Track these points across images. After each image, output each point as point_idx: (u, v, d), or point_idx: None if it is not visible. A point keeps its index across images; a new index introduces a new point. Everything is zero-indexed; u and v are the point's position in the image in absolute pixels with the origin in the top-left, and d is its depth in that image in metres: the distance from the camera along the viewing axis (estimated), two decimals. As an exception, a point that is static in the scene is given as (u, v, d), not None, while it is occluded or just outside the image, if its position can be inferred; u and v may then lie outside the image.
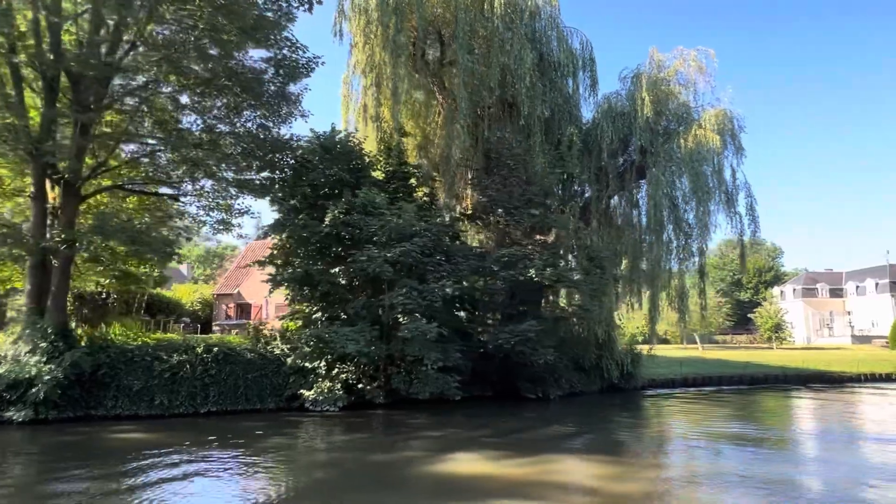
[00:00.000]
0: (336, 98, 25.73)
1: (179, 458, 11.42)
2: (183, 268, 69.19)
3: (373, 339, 16.71)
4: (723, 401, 25.40)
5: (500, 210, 21.15)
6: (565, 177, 24.06)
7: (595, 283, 20.23)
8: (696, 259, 23.74)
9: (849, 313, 77.85)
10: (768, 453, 13.52)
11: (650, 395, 26.49)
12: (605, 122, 22.67)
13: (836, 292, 79.94)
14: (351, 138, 20.86)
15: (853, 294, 77.89)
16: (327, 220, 18.25)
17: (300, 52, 19.38)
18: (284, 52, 19.17)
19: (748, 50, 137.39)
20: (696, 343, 71.85)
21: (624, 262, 24.08)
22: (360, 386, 17.71)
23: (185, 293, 46.25)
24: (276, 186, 20.65)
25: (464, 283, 19.78)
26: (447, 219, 24.47)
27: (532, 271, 18.70)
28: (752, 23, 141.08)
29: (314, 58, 19.61)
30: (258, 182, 20.90)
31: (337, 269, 18.07)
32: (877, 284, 74.37)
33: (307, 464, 11.94)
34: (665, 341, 62.27)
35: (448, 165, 21.70)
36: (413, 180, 22.71)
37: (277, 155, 20.95)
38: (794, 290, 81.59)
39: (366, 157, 21.47)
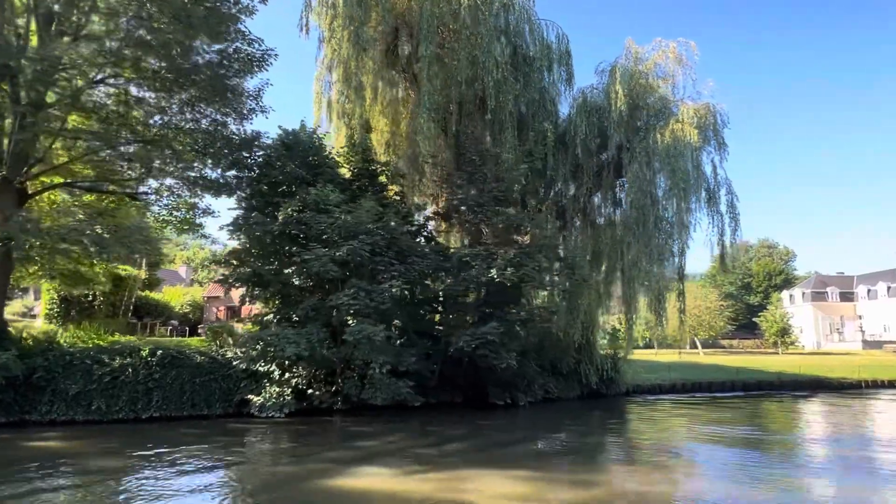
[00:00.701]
0: (310, 95, 25.10)
1: (74, 469, 10.68)
2: (182, 270, 69.04)
3: (320, 341, 15.87)
4: (706, 407, 24.19)
5: (464, 209, 20.23)
6: (542, 174, 23.10)
7: (564, 284, 19.18)
8: (677, 259, 22.59)
9: (860, 318, 75.60)
10: (721, 468, 12.46)
11: (634, 402, 25.32)
12: (580, 118, 21.68)
13: (847, 296, 77.72)
14: (314, 135, 20.07)
15: (864, 298, 75.65)
16: (280, 218, 17.50)
17: (255, 45, 18.72)
18: (238, 44, 18.51)
19: (754, 48, 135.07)
20: (699, 348, 70.33)
21: (604, 263, 22.99)
22: (310, 392, 16.89)
23: (176, 296, 45.85)
24: (242, 185, 20.02)
25: (427, 283, 18.94)
26: (420, 218, 23.66)
27: (493, 271, 17.76)
28: (748, 18, 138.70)
29: (268, 50, 18.93)
30: (216, 180, 20.28)
31: (290, 270, 17.28)
32: (888, 288, 72.14)
33: (198, 476, 11.00)
34: (664, 346, 60.77)
35: (415, 162, 20.80)
36: (383, 178, 21.93)
37: (240, 153, 20.31)
38: (804, 293, 79.47)
39: (330, 155, 20.74)
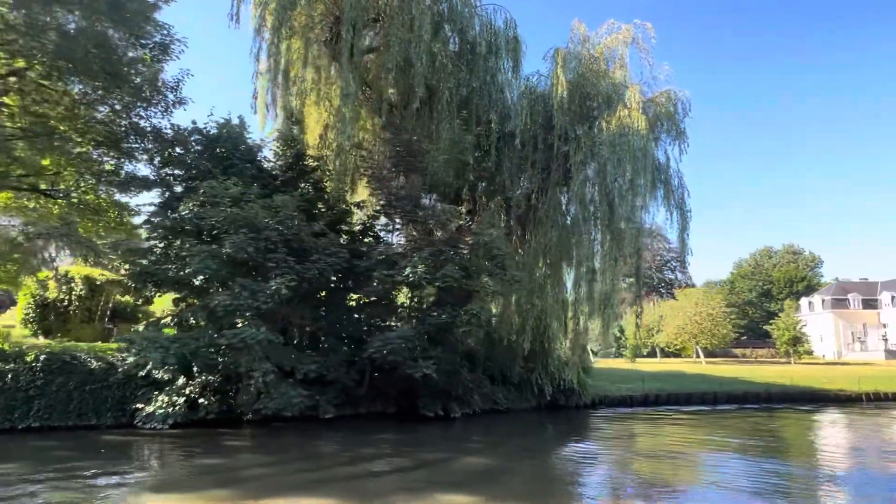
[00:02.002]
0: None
1: None
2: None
3: (206, 346, 14.44)
4: (670, 422, 21.96)
5: (395, 204, 18.63)
6: (488, 168, 21.40)
7: (495, 286, 17.38)
8: (632, 261, 20.54)
9: (884, 326, 71.15)
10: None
11: (596, 415, 23.24)
12: (521, 107, 19.91)
13: (871, 303, 73.34)
14: (226, 127, 18.79)
15: (889, 305, 71.23)
16: (181, 213, 16.21)
17: (164, 33, 17.60)
18: (148, 29, 17.40)
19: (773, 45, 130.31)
20: (713, 357, 67.00)
21: (542, 263, 21.03)
22: (201, 401, 15.46)
23: (159, 301, 45.17)
24: (171, 181, 18.95)
25: (345, 284, 17.38)
26: (363, 214, 22.16)
27: (407, 271, 16.10)
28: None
29: (180, 39, 17.80)
30: (136, 176, 19.22)
31: (189, 269, 15.93)
32: (915, 295, 67.78)
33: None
34: (669, 354, 57.94)
35: (340, 156, 19.30)
36: (320, 172, 20.61)
37: (163, 147, 19.19)
38: (824, 300, 75.36)
39: (253, 148, 19.47)
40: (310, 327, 17.40)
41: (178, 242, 16.25)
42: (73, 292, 27.88)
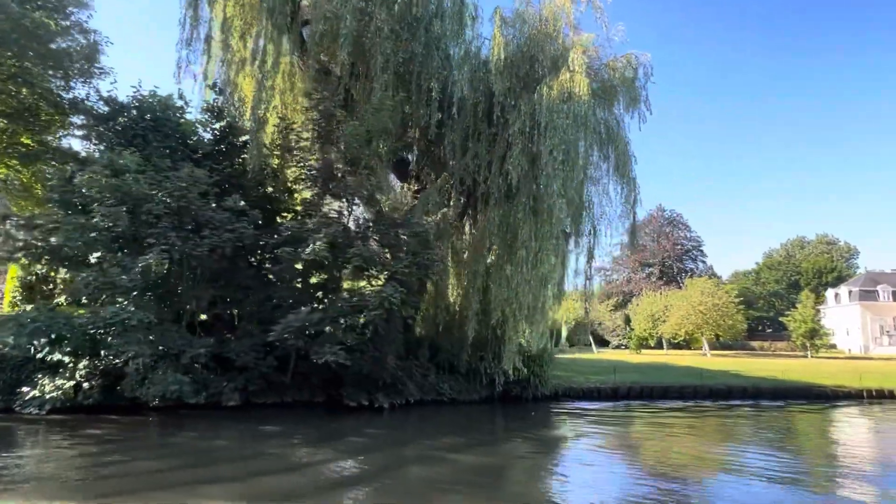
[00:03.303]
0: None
1: None
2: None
3: (80, 327, 13.26)
4: (626, 418, 20.01)
5: (319, 178, 17.12)
6: (431, 140, 19.68)
7: (399, 266, 15.67)
8: (586, 240, 18.53)
9: (916, 319, 66.45)
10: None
11: (554, 409, 21.40)
12: (461, 74, 18.06)
13: (902, 295, 68.52)
14: (153, 101, 17.53)
15: (921, 297, 66.41)
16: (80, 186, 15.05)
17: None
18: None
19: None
20: (729, 349, 63.72)
21: (489, 243, 19.18)
22: (85, 386, 14.34)
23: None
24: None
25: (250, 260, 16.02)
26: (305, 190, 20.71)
27: (309, 248, 14.60)
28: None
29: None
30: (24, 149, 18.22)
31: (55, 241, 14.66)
32: (949, 286, 62.89)
33: None
34: (677, 346, 55.11)
35: (263, 127, 17.83)
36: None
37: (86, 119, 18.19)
38: (851, 292, 70.87)
39: (176, 122, 18.24)
40: (219, 310, 16.10)
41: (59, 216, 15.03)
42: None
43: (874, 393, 27.06)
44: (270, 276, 17.13)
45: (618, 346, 61.23)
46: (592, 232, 18.57)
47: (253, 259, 16.86)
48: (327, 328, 14.99)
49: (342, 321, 14.78)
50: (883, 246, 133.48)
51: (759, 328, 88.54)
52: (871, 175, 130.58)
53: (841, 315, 71.23)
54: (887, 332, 66.76)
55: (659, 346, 54.92)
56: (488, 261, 18.87)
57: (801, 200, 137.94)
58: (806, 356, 51.92)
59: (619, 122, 19.68)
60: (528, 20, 18.42)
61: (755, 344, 66.65)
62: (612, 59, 18.59)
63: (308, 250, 14.53)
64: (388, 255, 16.57)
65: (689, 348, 55.98)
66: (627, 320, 54.92)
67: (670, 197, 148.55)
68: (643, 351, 53.29)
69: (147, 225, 13.84)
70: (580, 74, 16.51)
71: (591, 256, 18.85)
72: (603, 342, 68.09)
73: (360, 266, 15.11)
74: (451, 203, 21.27)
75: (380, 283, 17.47)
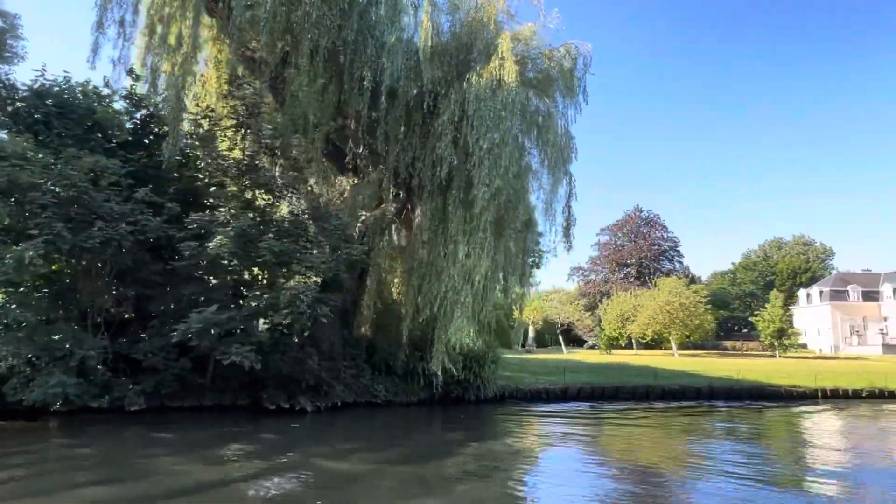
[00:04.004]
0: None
1: None
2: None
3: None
4: (565, 420, 19.23)
5: (236, 169, 16.13)
6: (363, 130, 18.75)
7: (318, 262, 14.74)
8: (520, 235, 17.67)
9: (884, 319, 66.67)
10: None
11: (495, 411, 20.59)
12: (389, 61, 17.16)
13: (872, 296, 68.76)
14: (38, 82, 16.42)
15: (890, 298, 66.63)
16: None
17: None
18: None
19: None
20: (702, 349, 63.44)
21: (426, 237, 18.27)
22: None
23: None
24: None
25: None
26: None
27: (212, 243, 13.65)
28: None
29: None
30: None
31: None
32: (916, 287, 63.15)
33: None
34: (647, 346, 54.59)
35: (176, 109, 16.77)
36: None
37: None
38: (822, 292, 70.99)
39: (89, 109, 17.17)
40: (125, 308, 15.06)
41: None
42: None
43: (828, 393, 26.62)
44: (193, 273, 16.11)
45: (592, 347, 60.69)
46: (528, 225, 17.75)
47: (165, 254, 15.80)
48: (239, 328, 14.00)
49: (256, 321, 13.80)
50: (858, 246, 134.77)
51: (736, 328, 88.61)
52: (848, 175, 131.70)
53: (812, 315, 71.38)
54: (857, 331, 66.95)
55: (630, 346, 54.39)
56: (423, 256, 17.95)
57: (782, 201, 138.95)
58: (774, 356, 51.73)
59: (560, 114, 18.90)
60: (462, 7, 17.61)
61: (728, 344, 66.48)
62: (548, 49, 17.81)
63: (212, 245, 13.56)
64: (310, 251, 15.60)
65: (660, 348, 55.53)
66: (599, 320, 54.29)
67: (652, 197, 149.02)
68: (613, 351, 52.76)
69: (33, 215, 12.80)
70: (509, 62, 15.69)
71: (525, 251, 18.01)
72: (580, 342, 67.59)
73: (271, 262, 14.12)
74: (391, 197, 20.41)
75: (310, 280, 16.60)
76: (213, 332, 13.48)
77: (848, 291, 69.23)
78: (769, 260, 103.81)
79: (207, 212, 15.56)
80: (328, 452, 12.42)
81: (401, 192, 20.40)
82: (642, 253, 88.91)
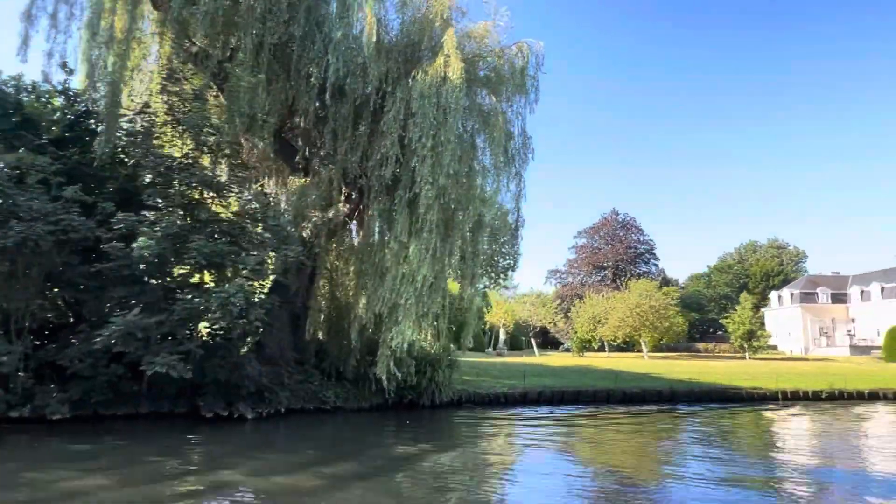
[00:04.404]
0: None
1: None
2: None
3: None
4: (519, 426, 18.91)
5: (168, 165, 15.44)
6: (309, 128, 18.22)
7: (254, 260, 14.15)
8: (471, 235, 17.23)
9: (852, 321, 67.61)
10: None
11: (457, 417, 20.09)
12: (334, 56, 16.63)
13: (840, 297, 69.69)
14: None
15: (857, 299, 67.57)
16: None
17: None
18: None
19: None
20: (674, 351, 63.65)
21: (376, 239, 17.76)
22: None
23: None
24: None
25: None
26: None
27: (135, 244, 12.99)
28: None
29: None
30: None
31: None
32: (882, 289, 64.06)
33: None
34: (619, 349, 54.56)
35: (110, 104, 16.07)
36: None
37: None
38: (793, 294, 71.77)
39: (10, 100, 16.41)
40: (51, 313, 14.32)
41: None
42: None
43: (789, 394, 26.63)
44: (124, 275, 15.36)
45: (567, 349, 60.57)
46: (479, 226, 17.34)
47: (96, 256, 15.06)
48: (170, 334, 13.35)
49: (195, 326, 13.17)
50: (831, 249, 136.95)
51: (711, 330, 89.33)
52: (822, 178, 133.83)
53: (783, 317, 72.13)
54: (826, 333, 67.77)
55: (603, 348, 54.33)
56: (371, 258, 17.42)
57: (759, 204, 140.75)
58: (745, 357, 52.01)
59: (516, 113, 18.62)
60: (411, 3, 17.18)
61: (701, 346, 66.77)
62: (500, 48, 17.46)
63: (135, 246, 12.91)
64: (250, 252, 14.99)
65: (633, 351, 55.54)
66: (569, 323, 54.19)
67: (633, 200, 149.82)
68: (586, 354, 52.63)
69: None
70: (455, 59, 15.27)
71: (477, 253, 17.58)
72: (558, 345, 67.42)
73: (202, 263, 13.50)
74: (343, 197, 19.87)
75: (253, 283, 15.99)
76: (138, 336, 12.78)
77: (817, 294, 70.11)
78: (744, 263, 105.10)
79: (144, 212, 14.91)
80: (260, 467, 11.73)
81: (353, 193, 19.87)
82: (618, 256, 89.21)
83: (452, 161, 14.96)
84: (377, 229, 17.19)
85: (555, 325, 56.01)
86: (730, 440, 17.04)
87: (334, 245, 20.16)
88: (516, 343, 62.17)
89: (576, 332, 52.70)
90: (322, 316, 20.00)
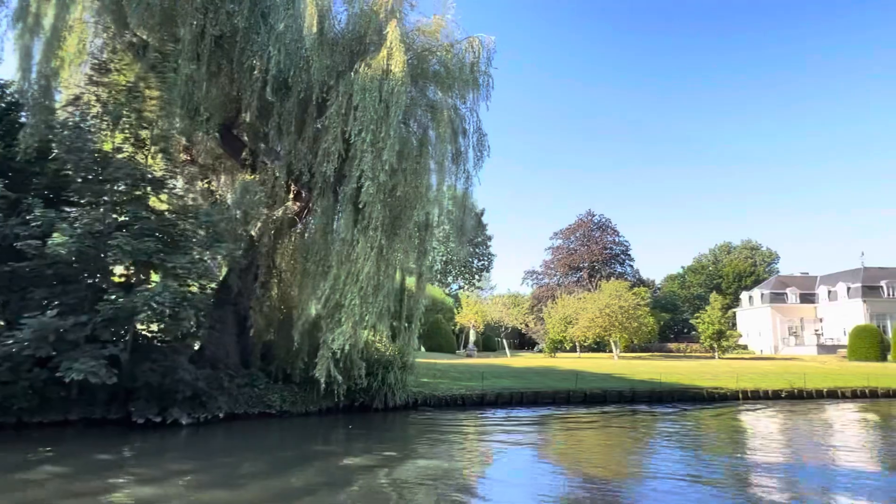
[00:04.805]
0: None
1: None
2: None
3: None
4: (471, 430, 18.42)
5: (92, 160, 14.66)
6: (253, 124, 17.58)
7: (187, 259, 13.49)
8: (420, 234, 16.71)
9: (820, 321, 68.57)
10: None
11: (410, 421, 19.53)
12: (275, 48, 16.01)
13: (808, 298, 70.60)
14: None
15: (825, 300, 68.51)
16: None
17: None
18: None
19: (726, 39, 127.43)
20: (647, 351, 63.84)
21: (323, 238, 17.11)
22: None
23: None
24: None
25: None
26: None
27: (50, 241, 12.25)
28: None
29: None
30: None
31: None
32: (848, 289, 65.02)
33: None
34: (590, 349, 54.54)
35: (37, 95, 15.27)
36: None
37: None
38: (763, 294, 72.52)
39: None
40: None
41: None
42: None
43: (749, 394, 26.63)
44: (49, 273, 14.54)
45: (542, 350, 60.39)
46: (427, 225, 16.86)
47: (17, 255, 14.23)
48: (93, 335, 12.60)
49: (127, 328, 12.43)
50: (803, 250, 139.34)
51: (685, 331, 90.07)
52: (794, 179, 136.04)
53: (753, 317, 72.89)
54: (794, 332, 68.61)
55: (575, 349, 54.21)
56: (316, 257, 16.80)
57: (735, 206, 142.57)
58: (714, 357, 52.29)
59: (469, 109, 18.22)
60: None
61: (673, 346, 67.12)
62: (448, 43, 17.01)
63: (50, 243, 12.17)
64: (185, 251, 14.29)
65: (605, 351, 55.55)
66: (541, 322, 53.97)
67: (609, 201, 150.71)
68: (558, 354, 52.46)
69: None
70: (398, 52, 14.78)
71: (425, 252, 17.09)
72: (533, 346, 67.26)
73: (125, 262, 12.78)
74: (291, 194, 19.24)
75: (193, 283, 15.31)
76: (50, 339, 12.02)
77: (786, 294, 70.94)
78: (718, 264, 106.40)
79: (66, 208, 14.12)
80: (191, 480, 11.07)
81: (302, 191, 19.24)
82: (594, 256, 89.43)
83: (394, 157, 14.42)
84: (322, 227, 16.55)
85: (526, 325, 55.74)
86: (681, 440, 16.75)
87: (284, 244, 19.49)
88: (491, 344, 61.83)
89: (547, 333, 52.48)
90: (269, 317, 19.32)
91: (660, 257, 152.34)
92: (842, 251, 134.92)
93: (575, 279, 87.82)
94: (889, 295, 63.11)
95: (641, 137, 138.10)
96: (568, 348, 54.62)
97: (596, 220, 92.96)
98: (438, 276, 64.72)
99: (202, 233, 14.33)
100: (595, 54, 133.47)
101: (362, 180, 14.32)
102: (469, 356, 42.40)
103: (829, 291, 67.89)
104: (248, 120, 18.71)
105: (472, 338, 45.20)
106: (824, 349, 60.53)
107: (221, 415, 16.27)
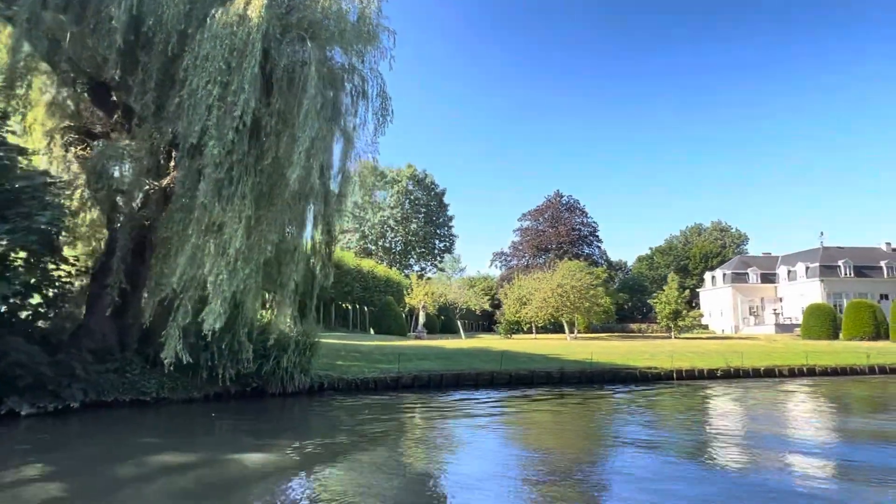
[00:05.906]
0: None
1: None
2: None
3: None
4: (370, 416, 16.95)
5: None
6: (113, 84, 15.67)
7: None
8: (298, 205, 15.07)
9: (780, 300, 68.56)
10: None
11: (307, 406, 18.04)
12: (129, -7, 14.07)
13: (769, 277, 70.59)
14: None
15: (785, 279, 68.48)
16: None
17: None
18: None
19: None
20: (608, 332, 63.24)
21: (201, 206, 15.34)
22: None
23: None
24: None
25: None
26: None
27: None
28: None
29: None
30: None
31: None
32: (807, 269, 64.94)
33: None
34: (546, 330, 53.61)
35: None
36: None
37: None
38: (725, 275, 72.39)
39: None
40: None
41: None
42: None
43: (684, 373, 25.65)
44: None
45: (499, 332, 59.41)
46: (307, 195, 15.18)
47: None
48: None
49: None
50: (772, 232, 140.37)
51: (652, 312, 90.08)
52: (766, 161, 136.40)
53: (716, 297, 72.75)
54: (754, 312, 68.54)
55: (531, 330, 53.18)
56: (179, 227, 15.02)
57: (708, 187, 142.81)
58: (669, 337, 51.72)
59: (369, 70, 16.53)
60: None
61: (634, 326, 66.76)
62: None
63: None
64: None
65: (562, 332, 54.65)
66: (497, 305, 52.83)
67: (580, 183, 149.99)
68: (515, 336, 51.41)
69: None
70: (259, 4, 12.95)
71: (303, 224, 15.43)
72: (490, 327, 66.26)
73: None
74: (172, 162, 17.37)
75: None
76: None
77: (748, 274, 70.79)
78: (688, 245, 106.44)
79: None
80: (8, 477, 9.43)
81: (182, 156, 17.37)
82: (561, 238, 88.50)
83: (249, 114, 12.68)
84: (184, 194, 14.77)
85: (480, 308, 54.54)
86: (589, 419, 15.46)
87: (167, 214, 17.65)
88: (452, 327, 60.59)
89: (503, 315, 51.37)
90: (151, 297, 17.56)
91: (635, 239, 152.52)
92: (813, 232, 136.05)
93: (543, 260, 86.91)
94: (846, 274, 63.11)
95: (623, 120, 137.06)
96: (525, 329, 53.63)
97: (564, 202, 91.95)
98: (353, 251, 61.57)
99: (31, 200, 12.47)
100: (562, 31, 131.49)
101: (205, 139, 12.58)
102: (418, 338, 41.01)
103: (789, 271, 67.84)
104: (116, 77, 16.74)
105: (421, 319, 43.76)
106: (782, 328, 60.49)
107: (76, 404, 14.52)
